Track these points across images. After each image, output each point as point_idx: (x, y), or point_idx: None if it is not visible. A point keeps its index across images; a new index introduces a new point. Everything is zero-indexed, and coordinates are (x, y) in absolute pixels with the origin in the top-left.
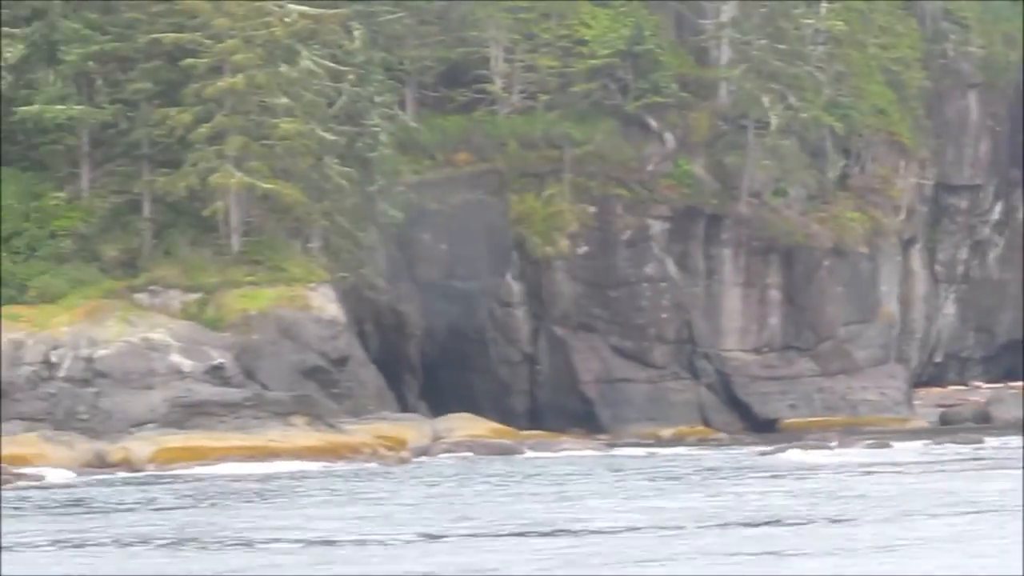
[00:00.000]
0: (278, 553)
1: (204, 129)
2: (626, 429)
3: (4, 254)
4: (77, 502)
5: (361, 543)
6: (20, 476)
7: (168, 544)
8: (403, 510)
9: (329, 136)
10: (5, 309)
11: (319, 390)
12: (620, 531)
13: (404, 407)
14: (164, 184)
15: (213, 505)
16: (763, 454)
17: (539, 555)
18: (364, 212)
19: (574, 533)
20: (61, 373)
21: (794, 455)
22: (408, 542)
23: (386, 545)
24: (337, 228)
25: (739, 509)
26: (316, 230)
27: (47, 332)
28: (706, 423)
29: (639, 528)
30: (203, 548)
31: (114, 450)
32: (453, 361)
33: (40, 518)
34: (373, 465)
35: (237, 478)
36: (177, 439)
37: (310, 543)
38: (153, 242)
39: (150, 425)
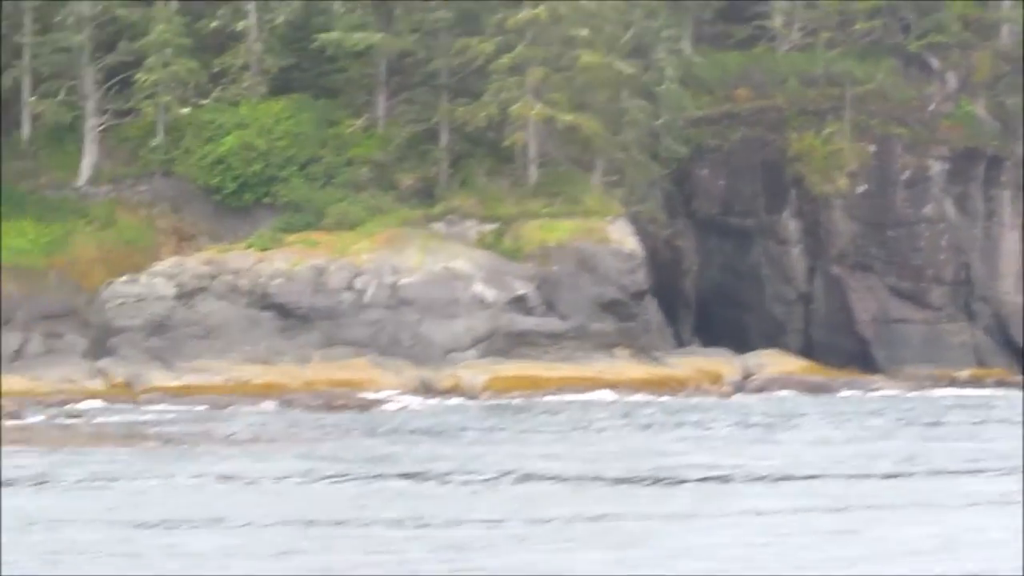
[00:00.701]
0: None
1: (505, 60)
2: (901, 370)
3: (301, 180)
4: (489, 429)
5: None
6: (372, 402)
7: (684, 479)
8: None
9: (628, 69)
10: (303, 235)
11: (617, 323)
12: None
13: (679, 343)
14: (463, 114)
15: (640, 431)
16: None
17: None
18: (649, 146)
19: None
20: (366, 300)
21: None
22: None
23: None
24: (632, 161)
25: None
26: (606, 163)
27: (348, 259)
28: (981, 365)
29: None
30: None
31: (443, 377)
32: (726, 298)
33: (481, 445)
34: (712, 399)
35: (604, 406)
36: (509, 368)
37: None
38: (449, 172)
39: (471, 352)
